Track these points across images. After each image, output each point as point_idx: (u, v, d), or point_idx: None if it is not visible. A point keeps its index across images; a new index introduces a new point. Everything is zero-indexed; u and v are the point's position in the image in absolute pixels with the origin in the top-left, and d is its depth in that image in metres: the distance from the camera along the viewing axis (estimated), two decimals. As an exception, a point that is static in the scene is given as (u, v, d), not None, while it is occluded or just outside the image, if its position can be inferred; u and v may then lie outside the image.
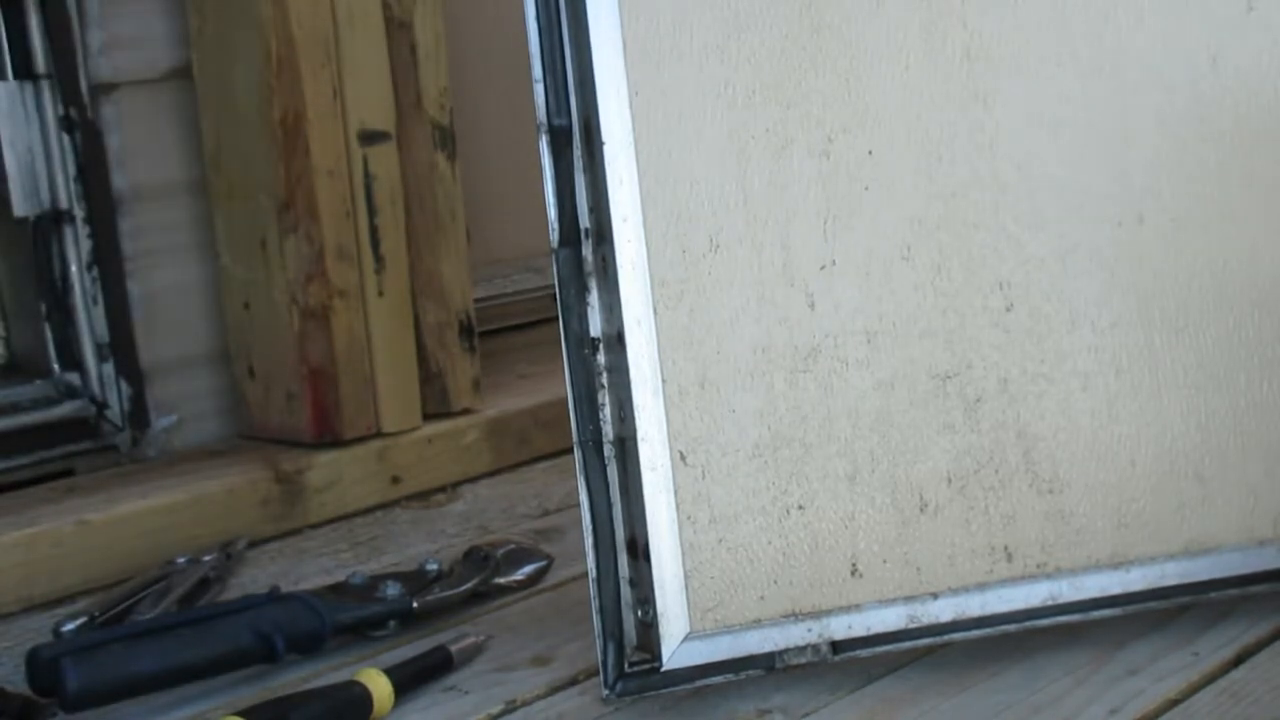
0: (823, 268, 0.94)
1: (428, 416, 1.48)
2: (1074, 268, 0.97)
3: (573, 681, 0.99)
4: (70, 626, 1.09)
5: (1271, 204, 1.00)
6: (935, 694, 0.93)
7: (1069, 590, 0.98)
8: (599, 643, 0.93)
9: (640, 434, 0.91)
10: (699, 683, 0.93)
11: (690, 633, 0.93)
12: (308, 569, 1.26)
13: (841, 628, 0.95)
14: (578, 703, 0.96)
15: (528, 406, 1.55)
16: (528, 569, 1.17)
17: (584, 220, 0.92)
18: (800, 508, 0.94)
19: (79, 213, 1.38)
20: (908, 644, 0.96)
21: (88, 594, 1.21)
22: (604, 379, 0.92)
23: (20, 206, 1.36)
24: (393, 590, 1.08)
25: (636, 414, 0.91)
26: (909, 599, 0.96)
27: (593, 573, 0.93)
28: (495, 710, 0.95)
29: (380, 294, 1.42)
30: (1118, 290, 0.98)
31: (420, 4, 1.43)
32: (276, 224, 1.39)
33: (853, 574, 0.95)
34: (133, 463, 1.42)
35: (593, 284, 0.92)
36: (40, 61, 1.35)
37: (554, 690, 0.98)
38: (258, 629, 1.00)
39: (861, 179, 0.94)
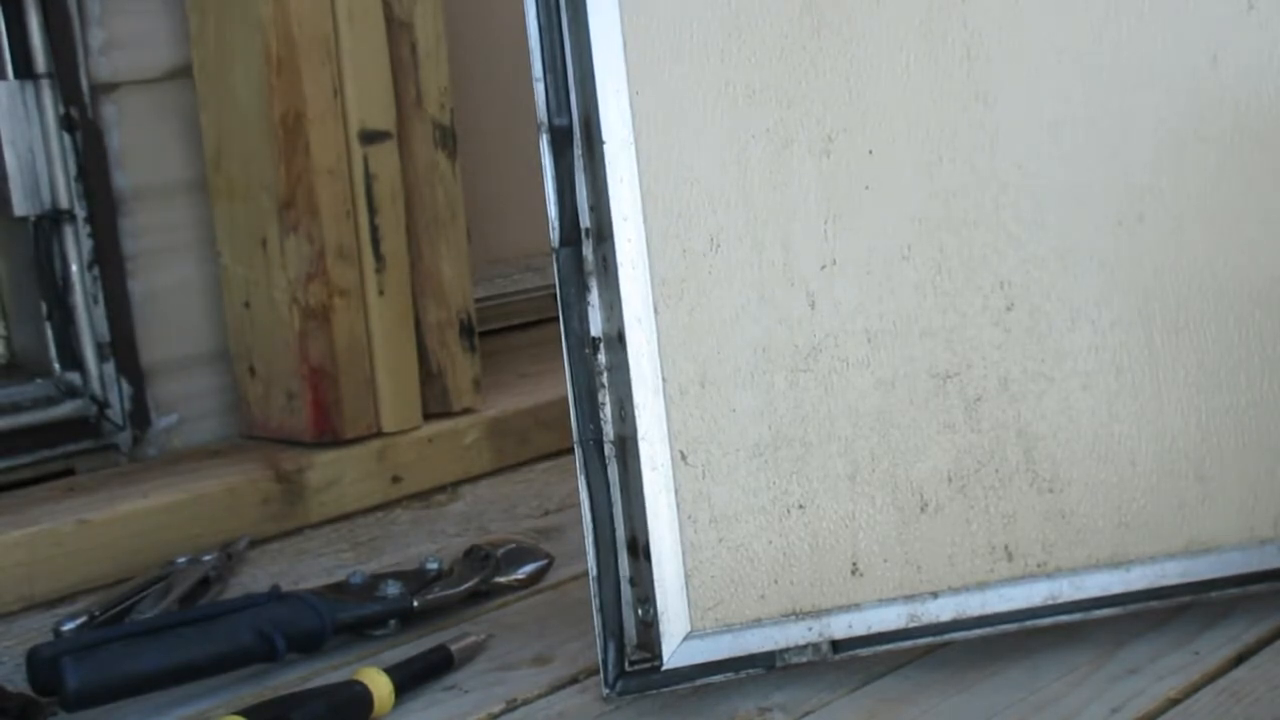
0: (823, 267, 0.94)
1: (428, 416, 1.48)
2: (1074, 267, 0.97)
3: (573, 680, 0.99)
4: (70, 626, 1.09)
5: (1271, 204, 1.00)
6: (935, 693, 0.93)
7: (1069, 589, 0.98)
8: (599, 641, 0.93)
9: (641, 433, 0.91)
10: (699, 681, 0.93)
11: (691, 632, 0.93)
12: (308, 568, 1.26)
13: (842, 626, 0.95)
14: (578, 701, 0.96)
15: (528, 406, 1.55)
16: (528, 568, 1.17)
17: (584, 219, 0.92)
18: (800, 507, 0.94)
19: (79, 212, 1.38)
20: (908, 643, 0.96)
21: (88, 593, 1.21)
22: (604, 378, 0.92)
23: (21, 206, 1.36)
24: (393, 589, 1.08)
25: (637, 413, 0.91)
26: (909, 598, 0.96)
27: (593, 572, 0.93)
28: (496, 709, 0.95)
29: (381, 293, 1.42)
30: (1118, 289, 0.98)
31: (421, 3, 1.43)
32: (277, 223, 1.39)
33: (853, 573, 0.95)
34: (133, 462, 1.42)
35: (593, 283, 0.92)
36: (40, 61, 1.35)
37: (554, 689, 0.98)
38: (258, 628, 1.00)
39: (862, 178, 0.94)
